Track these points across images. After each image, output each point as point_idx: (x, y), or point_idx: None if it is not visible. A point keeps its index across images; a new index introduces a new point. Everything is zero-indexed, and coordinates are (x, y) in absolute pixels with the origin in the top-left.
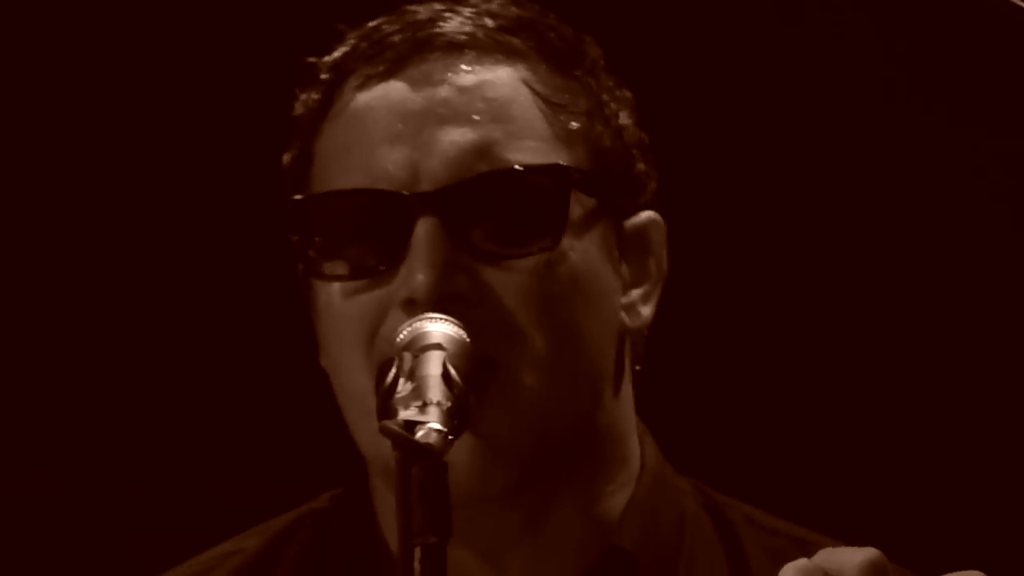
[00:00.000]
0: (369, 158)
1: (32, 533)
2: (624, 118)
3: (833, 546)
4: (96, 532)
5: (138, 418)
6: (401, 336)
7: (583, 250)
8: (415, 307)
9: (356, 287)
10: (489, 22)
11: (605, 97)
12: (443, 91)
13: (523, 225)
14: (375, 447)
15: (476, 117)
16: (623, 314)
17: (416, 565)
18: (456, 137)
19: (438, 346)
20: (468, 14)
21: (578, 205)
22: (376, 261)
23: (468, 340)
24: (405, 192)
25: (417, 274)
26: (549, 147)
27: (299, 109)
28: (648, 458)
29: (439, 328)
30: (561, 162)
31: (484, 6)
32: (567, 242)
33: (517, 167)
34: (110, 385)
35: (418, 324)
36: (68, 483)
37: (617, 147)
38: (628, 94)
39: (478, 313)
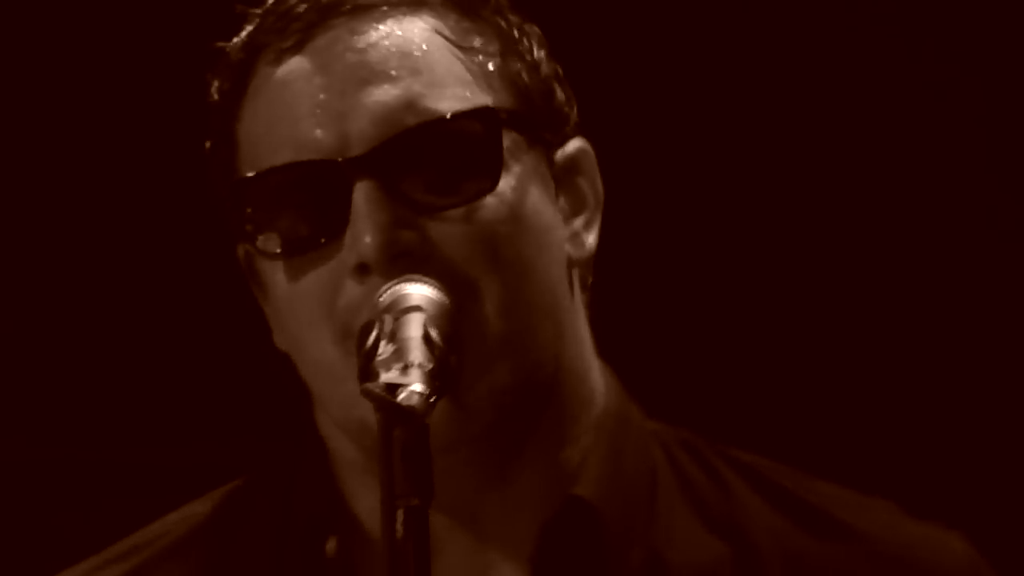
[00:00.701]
0: (295, 131)
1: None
2: (537, 52)
3: (798, 474)
4: (69, 495)
5: (111, 381)
6: (381, 299)
7: (521, 187)
8: (367, 271)
9: (305, 263)
10: None
11: (515, 34)
12: (357, 53)
13: (460, 172)
14: (349, 412)
15: (395, 73)
16: (568, 245)
17: (399, 527)
18: (379, 96)
19: (418, 308)
20: None
21: (510, 144)
22: (320, 233)
23: (448, 301)
24: (337, 159)
25: (363, 237)
26: (472, 91)
27: (214, 95)
28: (611, 399)
29: (419, 290)
30: (487, 103)
31: None
32: (505, 182)
33: (446, 115)
34: (87, 349)
35: (398, 287)
36: (43, 447)
37: (535, 81)
38: (536, 28)
39: (430, 267)
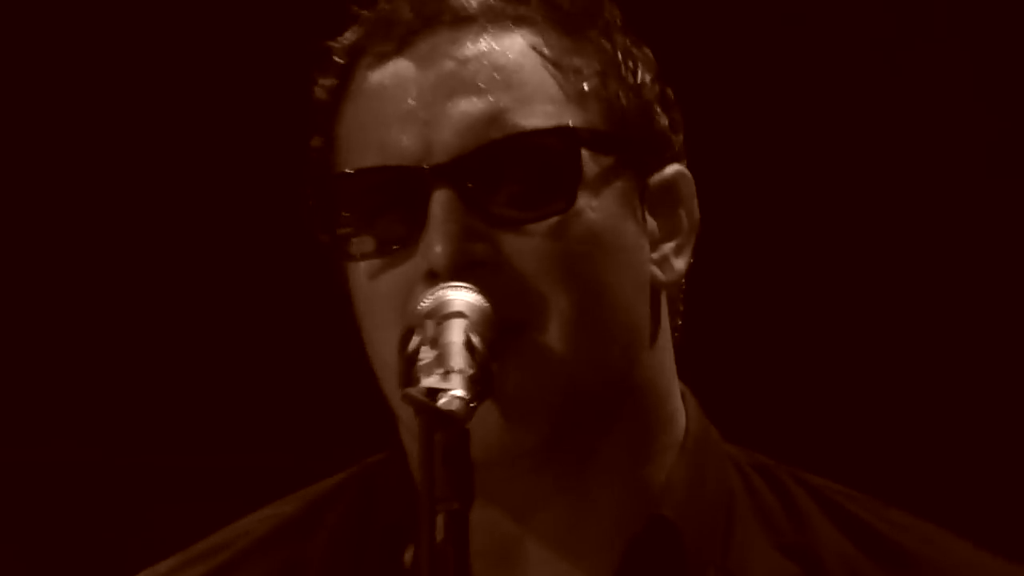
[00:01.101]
0: (383, 136)
1: (61, 499)
2: (642, 75)
3: (872, 502)
4: (125, 499)
5: (168, 385)
6: (423, 304)
7: (602, 207)
8: (436, 279)
9: (382, 264)
10: None
11: (620, 56)
12: (451, 64)
13: (537, 188)
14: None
15: (484, 86)
16: (655, 268)
17: (440, 532)
18: (466, 107)
19: (460, 314)
20: None
21: (594, 164)
22: (397, 237)
23: (489, 307)
24: (419, 166)
25: (435, 246)
26: (560, 109)
27: (319, 93)
28: (692, 422)
29: (461, 296)
30: (572, 123)
31: None
32: (584, 201)
33: (526, 131)
34: (141, 350)
35: (440, 293)
36: (92, 449)
37: (635, 104)
38: (647, 52)
39: (500, 279)
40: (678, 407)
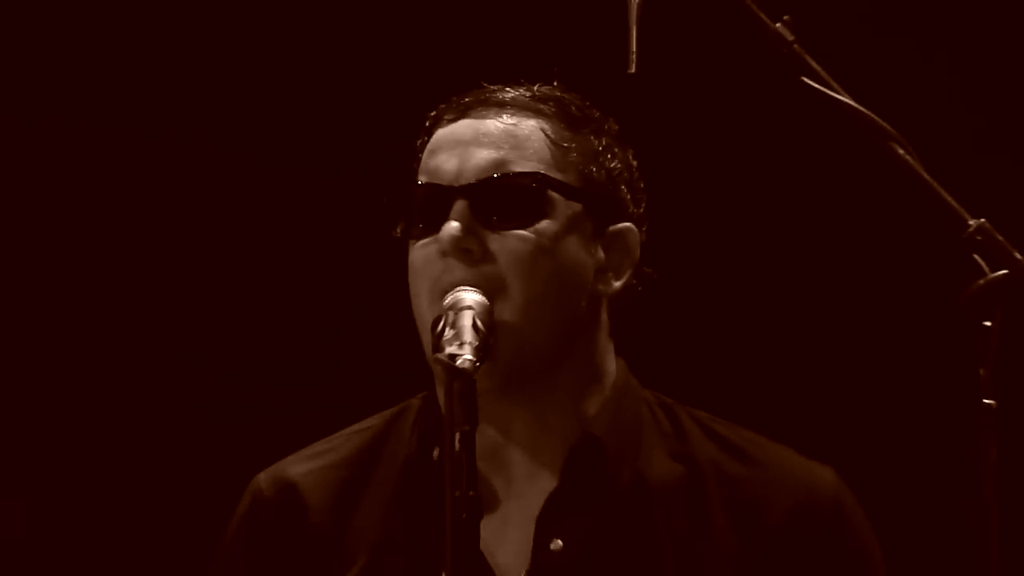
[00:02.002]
0: (436, 165)
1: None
2: (615, 164)
3: (731, 425)
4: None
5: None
6: (447, 300)
7: (558, 231)
8: (444, 255)
9: (423, 245)
10: (527, 93)
11: (601, 148)
12: (485, 127)
13: (516, 209)
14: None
15: (499, 144)
16: (599, 283)
17: (456, 444)
18: (484, 155)
19: (470, 307)
20: (515, 89)
21: (564, 206)
22: (432, 228)
23: (489, 303)
24: (451, 185)
25: (445, 236)
26: (545, 167)
27: (419, 145)
28: (619, 377)
29: (470, 296)
30: (547, 174)
31: (528, 85)
32: (547, 226)
33: (514, 173)
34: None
35: (457, 294)
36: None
37: (603, 178)
38: (627, 151)
39: (482, 264)
40: (609, 368)
